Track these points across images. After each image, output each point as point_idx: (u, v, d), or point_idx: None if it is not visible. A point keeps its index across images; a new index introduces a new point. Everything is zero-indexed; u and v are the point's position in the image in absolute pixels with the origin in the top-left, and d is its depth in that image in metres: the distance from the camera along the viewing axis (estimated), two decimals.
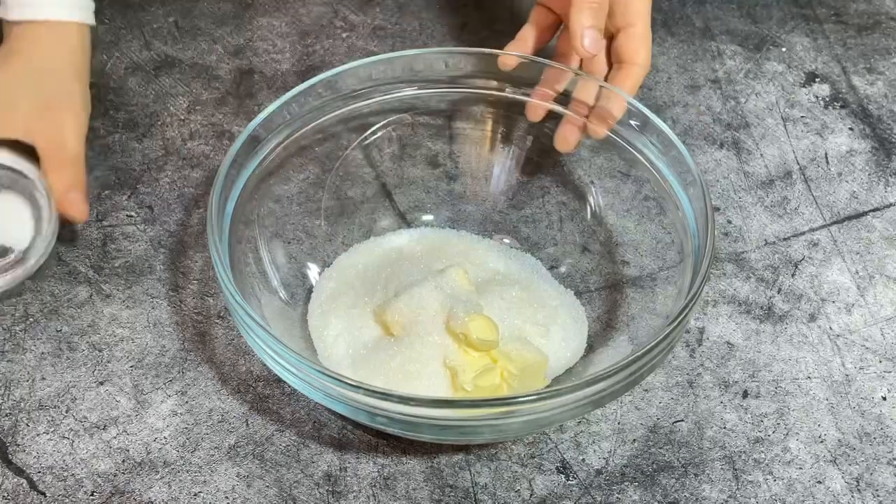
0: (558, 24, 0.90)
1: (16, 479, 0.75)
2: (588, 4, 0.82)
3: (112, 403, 0.79)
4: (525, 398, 0.67)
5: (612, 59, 0.88)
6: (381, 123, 0.88)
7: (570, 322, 0.82)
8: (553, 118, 0.86)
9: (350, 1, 1.10)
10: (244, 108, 0.99)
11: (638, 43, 0.87)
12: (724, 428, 0.78)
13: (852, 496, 0.75)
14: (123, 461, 0.76)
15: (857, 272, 0.88)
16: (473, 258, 0.85)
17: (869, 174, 0.95)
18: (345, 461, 0.76)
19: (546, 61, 0.85)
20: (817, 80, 1.03)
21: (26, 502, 0.74)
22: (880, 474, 0.76)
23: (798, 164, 0.96)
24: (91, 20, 0.89)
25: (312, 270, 0.85)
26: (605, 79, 0.88)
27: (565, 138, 0.86)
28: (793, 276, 0.88)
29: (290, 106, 0.81)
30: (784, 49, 1.06)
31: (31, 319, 0.83)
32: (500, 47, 0.87)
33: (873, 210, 0.93)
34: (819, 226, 0.92)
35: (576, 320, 0.83)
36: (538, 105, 0.87)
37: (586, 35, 0.82)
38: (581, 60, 0.88)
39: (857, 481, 0.76)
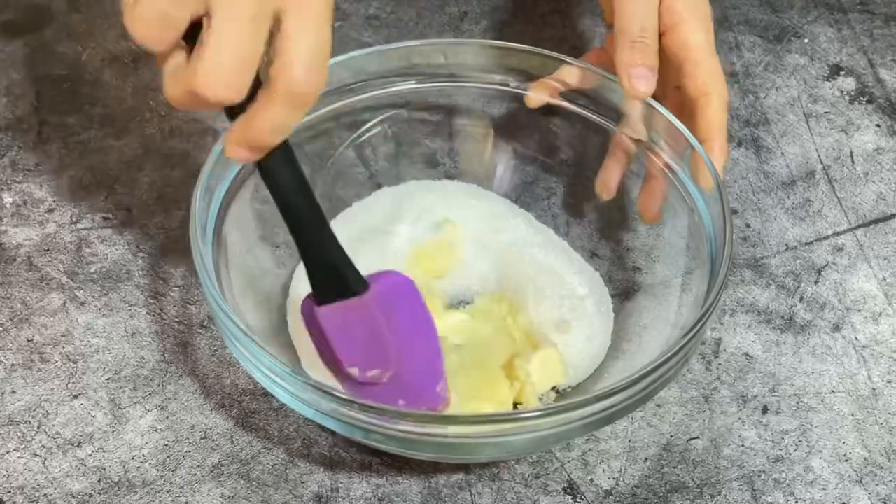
0: None
1: None
2: (638, 38, 0.76)
3: (87, 419, 0.78)
4: (530, 414, 0.67)
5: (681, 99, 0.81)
6: (376, 120, 0.88)
7: (596, 318, 0.81)
8: (552, 113, 0.86)
9: None
10: None
11: (707, 75, 0.78)
12: (743, 446, 0.78)
13: None
14: (99, 480, 0.75)
15: (885, 279, 0.87)
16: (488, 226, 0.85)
17: None
18: (336, 481, 0.75)
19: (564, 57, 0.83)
20: (842, 73, 1.03)
21: None
22: None
23: (821, 163, 0.95)
24: None
25: (301, 277, 0.83)
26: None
27: (651, 209, 0.81)
28: (816, 283, 0.87)
29: None
30: (806, 40, 1.06)
31: (1, 328, 0.82)
32: (502, 38, 0.89)
33: None
34: (844, 229, 0.91)
35: (602, 315, 0.82)
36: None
37: (637, 74, 0.76)
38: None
39: (885, 502, 0.75)
